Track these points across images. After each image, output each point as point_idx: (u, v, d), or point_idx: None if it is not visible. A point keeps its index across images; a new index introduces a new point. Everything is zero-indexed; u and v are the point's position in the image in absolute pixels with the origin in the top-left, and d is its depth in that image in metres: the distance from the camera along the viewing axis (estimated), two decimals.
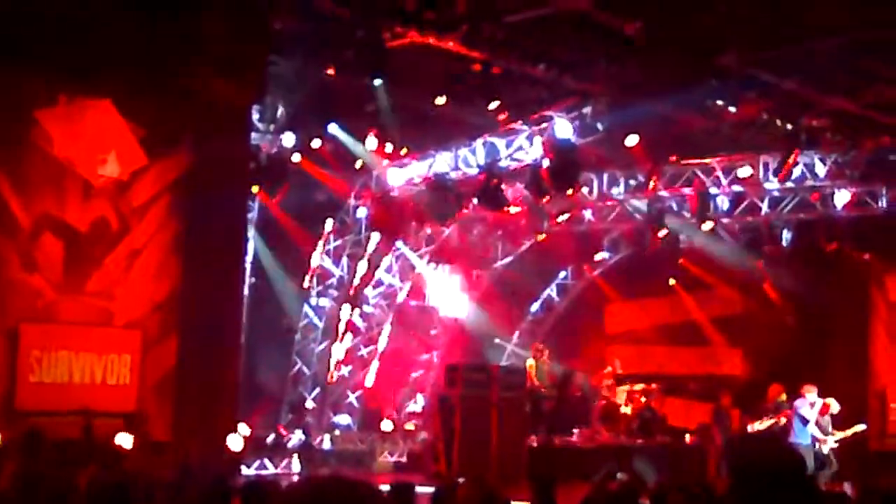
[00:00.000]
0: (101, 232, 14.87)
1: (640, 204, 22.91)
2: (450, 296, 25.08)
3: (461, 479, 12.69)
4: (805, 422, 18.39)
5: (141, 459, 13.35)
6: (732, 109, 18.63)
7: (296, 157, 20.67)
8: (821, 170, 20.74)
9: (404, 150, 21.76)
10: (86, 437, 13.73)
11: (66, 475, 10.61)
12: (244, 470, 17.23)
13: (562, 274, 26.95)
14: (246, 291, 19.81)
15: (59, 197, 14.54)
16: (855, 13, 14.80)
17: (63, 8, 13.68)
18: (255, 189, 20.15)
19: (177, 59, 14.93)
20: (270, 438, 20.97)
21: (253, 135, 18.81)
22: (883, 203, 21.01)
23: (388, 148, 21.50)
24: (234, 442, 16.47)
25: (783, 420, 19.40)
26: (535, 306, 26.96)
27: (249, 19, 15.52)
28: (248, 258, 20.24)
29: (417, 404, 24.60)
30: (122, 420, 14.26)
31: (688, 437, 22.03)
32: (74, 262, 14.62)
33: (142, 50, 14.30)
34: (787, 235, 22.83)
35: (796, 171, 20.82)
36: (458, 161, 21.56)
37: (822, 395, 18.64)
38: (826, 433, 18.52)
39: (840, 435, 18.71)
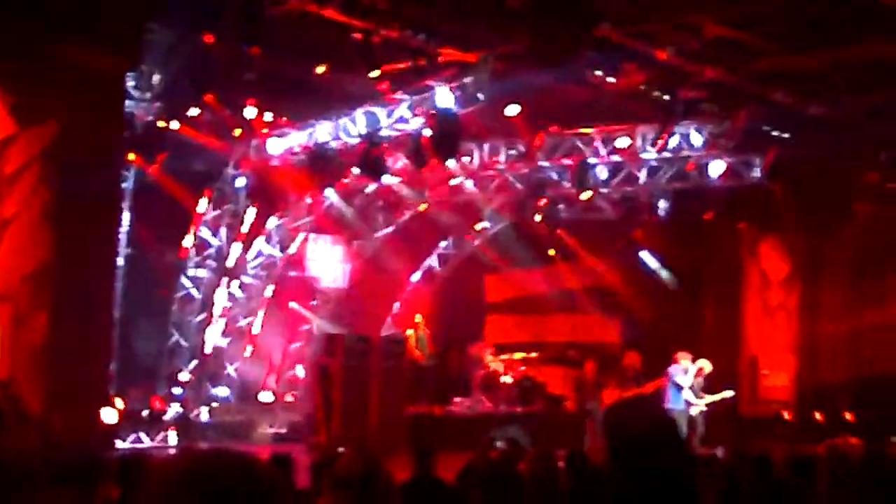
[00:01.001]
0: None
1: (521, 173, 23.10)
2: (330, 266, 25.14)
3: (341, 450, 12.91)
4: (679, 388, 18.87)
5: (12, 431, 13.30)
6: (612, 80, 18.88)
7: (173, 126, 20.58)
8: (697, 140, 21.07)
9: (284, 119, 21.81)
10: None
11: None
12: (119, 443, 17.17)
13: (443, 244, 27.10)
14: (121, 262, 19.64)
15: None
16: None
17: None
18: (131, 157, 19.99)
19: (48, 27, 14.81)
20: (146, 411, 20.82)
21: (128, 103, 18.60)
22: (757, 173, 21.48)
23: (268, 116, 21.51)
24: (108, 415, 16.37)
25: (649, 389, 19.91)
26: (416, 276, 27.08)
27: None
28: (124, 228, 20.01)
29: (297, 375, 24.61)
30: None
31: (567, 404, 22.42)
32: None
33: (10, 18, 14.17)
34: (664, 205, 23.18)
35: (673, 142, 21.18)
36: (339, 130, 21.49)
37: (694, 361, 19.16)
38: (697, 396, 19.03)
39: (709, 399, 19.22)
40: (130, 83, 18.46)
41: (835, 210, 23.12)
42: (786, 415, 23.00)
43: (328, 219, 24.63)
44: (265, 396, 23.42)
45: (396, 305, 26.47)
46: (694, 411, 18.84)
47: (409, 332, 22.58)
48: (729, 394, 19.78)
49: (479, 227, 26.19)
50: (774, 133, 21.01)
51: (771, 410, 23.07)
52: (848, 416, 21.99)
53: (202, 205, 23.01)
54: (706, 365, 19.19)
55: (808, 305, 24.10)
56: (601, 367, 21.13)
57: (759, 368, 23.44)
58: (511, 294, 26.58)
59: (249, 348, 23.93)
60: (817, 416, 22.43)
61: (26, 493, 4.04)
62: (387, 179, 22.45)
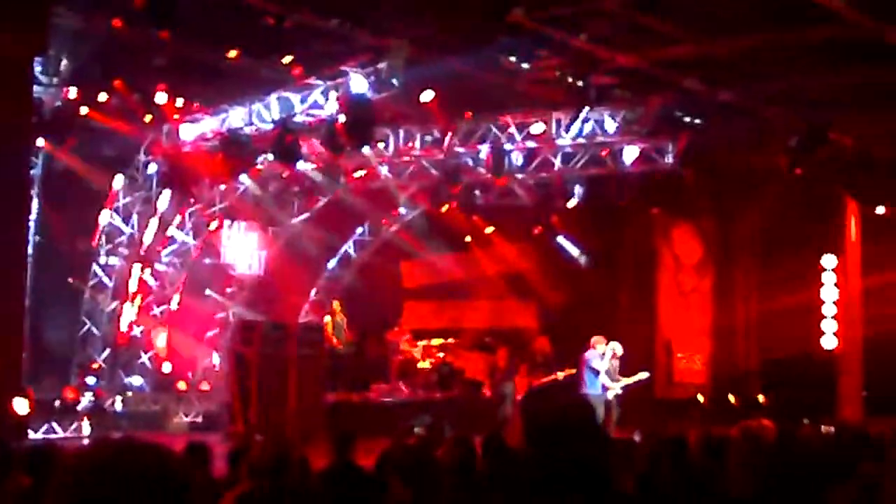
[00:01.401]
0: None
1: (437, 160, 23.16)
2: (245, 253, 25.06)
3: (258, 438, 12.88)
4: (596, 373, 19.04)
5: None
6: (525, 66, 18.99)
7: (82, 111, 20.38)
8: (610, 126, 21.31)
9: (196, 105, 21.68)
10: None
11: None
12: (31, 434, 17.03)
13: (359, 230, 27.15)
14: (30, 250, 19.46)
15: None
16: None
17: None
18: (39, 143, 19.79)
19: None
20: (58, 401, 20.64)
21: (35, 88, 18.42)
22: (669, 159, 21.76)
23: (179, 102, 21.35)
24: (20, 405, 16.25)
25: (561, 375, 20.12)
26: (332, 263, 27.09)
27: None
28: (33, 216, 19.82)
29: (213, 363, 24.50)
30: None
31: (484, 389, 22.54)
32: None
33: None
34: (578, 190, 23.39)
35: (587, 128, 21.41)
36: (252, 116, 21.37)
37: (609, 344, 19.36)
38: (613, 379, 19.23)
39: (625, 381, 19.44)
40: (38, 68, 18.23)
41: (744, 194, 23.46)
42: (700, 398, 23.29)
43: (243, 205, 24.56)
44: (180, 385, 23.31)
45: (313, 292, 26.46)
46: (610, 395, 19.03)
47: (327, 318, 22.58)
48: (644, 375, 20.01)
49: (395, 213, 26.25)
50: (686, 119, 21.26)
51: (686, 393, 23.36)
52: (761, 398, 22.34)
53: (113, 190, 22.78)
54: (618, 348, 19.39)
55: (721, 289, 24.44)
56: (514, 352, 21.25)
57: (673, 352, 23.74)
58: (428, 280, 26.69)
59: (164, 336, 23.76)
60: (731, 398, 22.75)
61: None
62: (301, 166, 22.36)
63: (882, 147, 19.71)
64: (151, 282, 23.48)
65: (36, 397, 18.02)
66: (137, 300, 23.10)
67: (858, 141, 20.44)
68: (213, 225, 24.36)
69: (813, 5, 15.03)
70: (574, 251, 24.85)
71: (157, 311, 23.70)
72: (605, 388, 18.94)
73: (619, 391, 19.28)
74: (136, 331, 23.17)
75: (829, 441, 9.98)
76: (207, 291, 24.78)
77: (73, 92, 19.90)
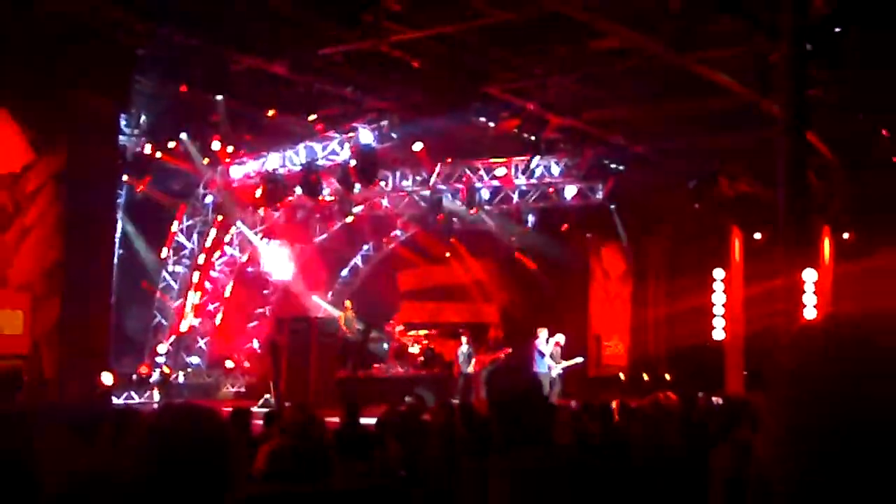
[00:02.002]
0: (0, 212, 14.51)
1: (424, 194, 23.21)
2: (279, 264, 25.05)
3: (287, 404, 12.83)
4: (542, 355, 19.12)
5: (34, 392, 13.14)
6: (492, 125, 19.05)
7: (156, 155, 20.44)
8: (555, 170, 21.40)
9: (242, 151, 21.74)
10: None
11: None
12: (114, 400, 17.02)
13: (365, 247, 27.18)
14: (116, 260, 19.44)
15: None
16: (580, 57, 15.42)
17: None
18: (124, 179, 19.82)
19: (61, 78, 14.63)
20: (135, 376, 20.64)
21: (121, 137, 18.44)
22: (599, 195, 21.88)
23: (229, 149, 21.39)
24: (107, 378, 16.23)
25: (503, 355, 20.20)
26: (344, 272, 27.12)
27: (119, 48, 15.27)
28: (118, 234, 19.83)
29: (253, 347, 24.51)
30: (18, 361, 13.96)
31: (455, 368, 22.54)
32: None
33: (32, 71, 14.00)
34: (532, 219, 23.50)
35: (538, 171, 21.50)
36: (285, 160, 21.52)
37: (552, 335, 19.46)
38: (556, 362, 19.30)
39: (565, 364, 19.50)
40: (123, 122, 18.26)
41: (655, 223, 23.59)
42: (621, 375, 23.35)
43: (277, 227, 24.57)
44: (228, 364, 23.33)
45: (330, 294, 26.45)
46: (554, 373, 19.07)
47: (340, 314, 22.57)
48: (579, 360, 20.10)
49: (392, 234, 26.32)
50: (612, 166, 21.34)
51: (610, 372, 23.41)
52: (667, 376, 22.40)
53: (179, 215, 22.83)
54: (560, 338, 19.49)
55: (637, 295, 24.52)
56: (475, 339, 21.29)
57: (601, 341, 23.80)
58: (417, 286, 26.72)
59: (216, 326, 23.77)
60: (644, 376, 22.81)
61: (32, 442, 3.98)
62: (322, 198, 22.43)
63: (758, 188, 19.81)
64: (207, 285, 23.48)
65: (118, 373, 18.00)
66: (196, 299, 23.13)
67: (740, 183, 20.54)
68: (256, 242, 24.35)
69: (708, 81, 15.13)
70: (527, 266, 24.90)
71: (211, 307, 23.70)
72: (549, 368, 19.00)
73: (561, 371, 19.34)
74: (195, 322, 23.19)
75: (718, 409, 10.04)
76: (249, 292, 24.76)
77: (148, 140, 19.98)
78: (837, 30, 11.81)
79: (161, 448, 2.09)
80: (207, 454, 2.07)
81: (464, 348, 20.33)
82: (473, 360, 20.20)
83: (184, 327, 22.89)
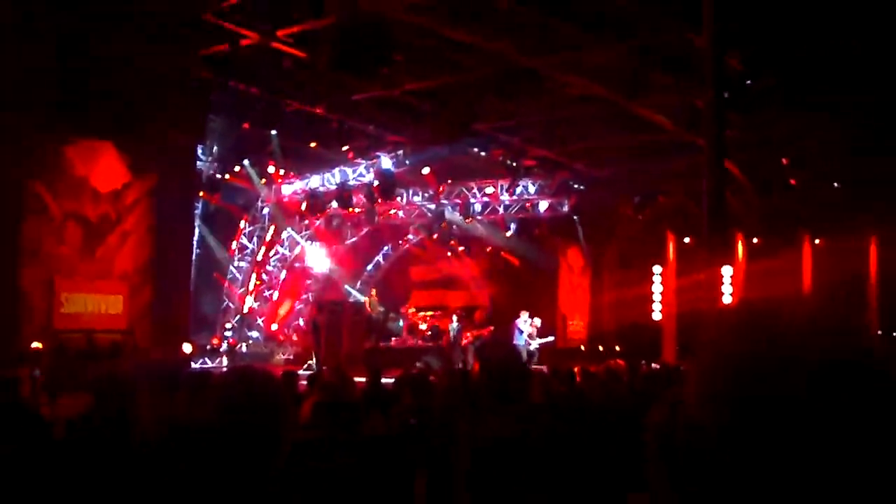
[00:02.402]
0: (105, 221, 14.51)
1: (430, 207, 23.18)
2: (319, 260, 25.03)
3: (325, 368, 12.80)
4: (521, 332, 19.02)
5: (130, 358, 13.13)
6: (483, 154, 19.05)
7: (225, 177, 20.43)
8: (532, 189, 21.41)
9: (291, 174, 21.73)
10: (89, 345, 13.41)
11: (78, 367, 10.43)
12: (192, 365, 17.02)
13: (385, 247, 27.09)
14: (194, 257, 19.45)
15: (78, 199, 14.10)
16: (551, 102, 15.40)
17: (85, 92, 13.25)
18: (200, 195, 19.82)
19: (153, 119, 14.64)
20: (208, 346, 20.64)
21: (198, 163, 18.46)
22: (566, 209, 21.82)
23: (281, 172, 21.40)
24: (187, 348, 16.24)
25: (486, 332, 20.13)
26: (369, 267, 26.98)
27: (196, 95, 15.29)
28: (196, 237, 19.84)
29: (300, 325, 24.47)
30: (118, 335, 13.97)
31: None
32: (88, 239, 14.22)
33: (131, 114, 14.02)
34: (513, 227, 23.43)
35: (518, 190, 21.50)
36: (324, 180, 21.49)
37: (531, 317, 19.37)
38: (533, 339, 19.21)
39: (540, 340, 19.42)
40: (199, 151, 18.27)
41: (609, 230, 23.52)
42: (582, 347, 23.27)
43: (318, 232, 24.51)
44: (280, 337, 23.32)
45: (358, 284, 26.40)
46: (532, 347, 18.98)
47: (366, 299, 22.53)
48: (550, 339, 20.03)
49: (406, 238, 26.23)
50: (576, 186, 21.33)
51: (574, 345, 23.30)
52: (617, 348, 22.34)
53: (242, 224, 22.82)
54: (537, 321, 19.40)
55: (594, 285, 24.40)
56: (466, 318, 21.20)
57: (567, 321, 23.66)
58: (426, 277, 26.64)
59: (270, 308, 23.75)
60: (600, 348, 22.74)
61: (132, 400, 3.96)
62: (352, 209, 22.43)
63: (688, 203, 19.78)
64: (264, 277, 23.45)
65: (196, 344, 18.01)
66: (256, 288, 23.12)
67: (674, 199, 20.52)
68: (301, 244, 24.32)
69: (650, 121, 15.12)
70: (509, 263, 24.80)
71: (267, 294, 23.65)
72: (527, 343, 18.91)
73: (537, 346, 19.26)
74: (255, 305, 23.16)
75: (656, 373, 10.02)
76: (296, 281, 24.73)
77: (219, 166, 19.97)
78: (748, 83, 11.82)
79: (227, 401, 2.07)
80: (264, 406, 2.06)
81: (454, 325, 20.29)
82: (461, 335, 20.18)
83: (246, 309, 22.85)
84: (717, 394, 0.96)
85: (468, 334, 20.19)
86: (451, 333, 20.06)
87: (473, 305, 24.66)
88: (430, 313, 24.47)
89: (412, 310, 24.38)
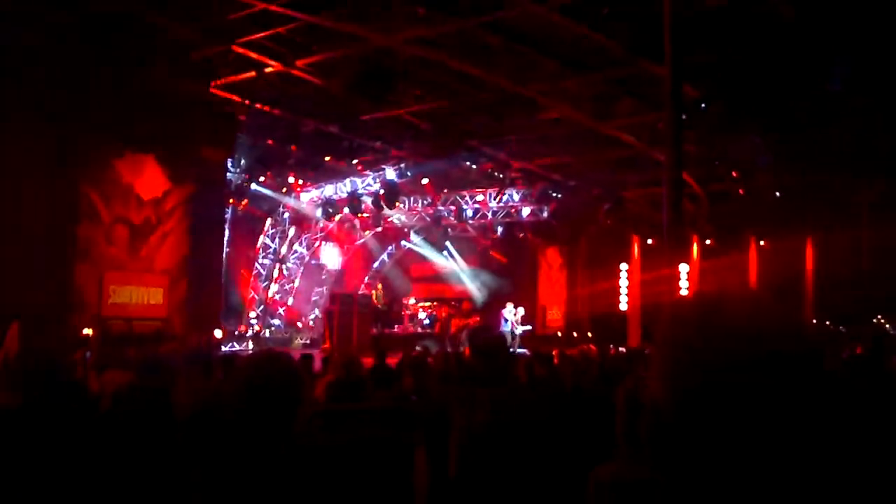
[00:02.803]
0: (147, 224, 14.43)
1: (429, 213, 23.12)
2: (332, 258, 25.03)
3: (337, 352, 12.78)
4: (506, 320, 19.06)
5: (168, 344, 13.10)
6: (474, 166, 19.03)
7: (252, 186, 20.38)
8: (516, 197, 21.39)
9: (308, 183, 21.67)
10: (130, 330, 13.39)
11: (122, 348, 10.39)
12: (223, 349, 17.00)
13: (390, 247, 27.11)
14: (224, 255, 19.42)
15: (125, 205, 14.03)
16: (532, 123, 15.38)
17: (132, 113, 13.19)
18: (230, 202, 19.77)
19: (189, 136, 14.61)
20: (236, 332, 20.62)
21: (228, 174, 18.40)
22: (545, 214, 21.81)
23: (300, 182, 21.34)
24: (218, 334, 16.20)
25: (472, 322, 20.13)
26: (376, 264, 27.01)
27: (227, 116, 15.26)
28: (226, 238, 19.81)
29: (317, 314, 24.46)
30: (159, 322, 13.93)
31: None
32: (134, 240, 14.16)
33: (171, 131, 13.99)
34: (500, 230, 23.44)
35: (504, 197, 21.49)
36: (337, 189, 21.45)
37: (516, 307, 19.39)
38: (516, 325, 19.24)
39: (522, 328, 19.44)
40: (229, 163, 18.22)
41: (581, 232, 23.55)
42: (559, 333, 23.32)
43: (332, 233, 24.50)
44: (298, 325, 23.28)
45: (366, 279, 26.40)
46: (516, 332, 19.01)
47: (373, 292, 22.54)
48: (528, 328, 20.01)
49: (408, 239, 26.21)
50: (554, 194, 21.33)
51: (552, 331, 23.36)
52: (589, 334, 22.39)
53: (266, 226, 22.77)
54: (521, 310, 19.41)
55: (569, 279, 24.44)
56: (454, 309, 21.22)
57: (546, 310, 23.67)
58: (424, 273, 26.64)
59: (291, 300, 23.70)
60: (574, 334, 22.80)
61: (171, 377, 3.96)
62: (361, 215, 22.41)
63: (650, 209, 19.82)
64: (284, 272, 23.42)
65: (226, 330, 17.96)
66: (277, 280, 23.08)
67: (639, 207, 20.54)
68: (317, 243, 24.29)
69: (617, 138, 15.13)
70: (498, 261, 24.77)
71: (287, 286, 23.61)
72: (512, 330, 18.95)
73: (520, 332, 19.28)
74: (277, 296, 23.12)
75: (624, 356, 10.04)
76: (313, 277, 24.71)
77: (246, 176, 19.94)
78: (703, 106, 11.83)
79: (253, 379, 2.06)
80: (283, 383, 2.06)
81: (444, 315, 20.30)
82: (451, 323, 20.25)
83: (269, 301, 22.82)
84: (674, 374, 0.97)
85: (454, 323, 20.21)
86: (446, 327, 20.06)
87: (465, 297, 24.71)
88: (427, 304, 24.46)
89: (412, 301, 24.37)
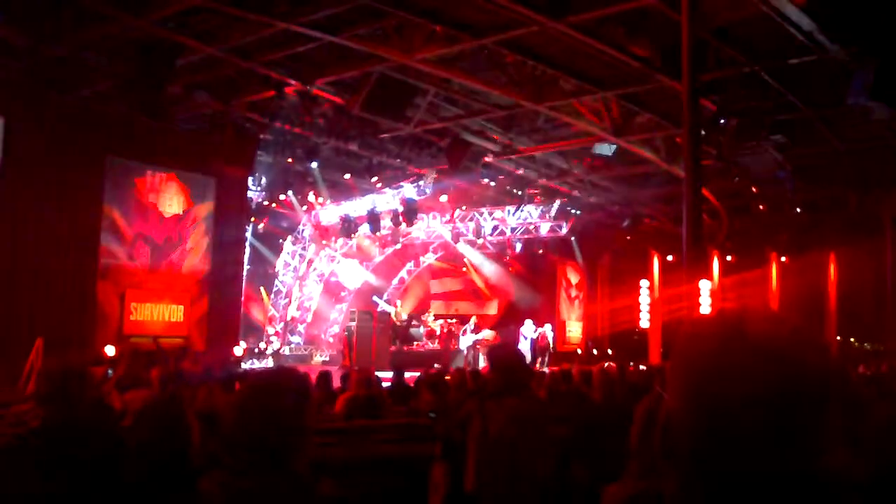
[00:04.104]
0: (169, 241, 14.60)
1: (447, 229, 23.17)
2: (352, 275, 25.09)
3: (356, 368, 12.76)
4: (525, 337, 18.97)
5: (189, 360, 13.16)
6: (493, 184, 19.02)
7: (272, 205, 20.56)
8: (534, 213, 21.38)
9: (329, 201, 21.81)
10: (157, 348, 13.45)
11: (144, 367, 10.46)
12: (243, 365, 17.05)
13: (409, 264, 27.13)
14: (245, 272, 19.54)
15: (146, 222, 14.21)
16: (549, 138, 15.37)
17: (154, 133, 13.41)
18: (251, 219, 19.94)
19: (211, 154, 14.80)
20: (257, 349, 20.69)
21: (249, 192, 18.58)
22: (564, 231, 21.78)
23: (320, 200, 21.48)
24: (238, 350, 16.27)
25: (494, 339, 20.00)
26: (395, 281, 27.02)
27: (248, 135, 15.43)
28: (246, 255, 19.94)
29: (335, 331, 24.48)
30: (180, 340, 14.02)
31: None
32: (155, 257, 14.32)
33: (192, 150, 14.18)
34: (518, 246, 23.39)
35: (523, 214, 21.47)
36: (356, 207, 21.61)
37: (541, 326, 19.28)
38: (535, 343, 19.11)
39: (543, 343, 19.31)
40: (250, 181, 18.39)
41: (601, 249, 23.47)
42: (579, 350, 23.16)
43: (351, 251, 24.58)
44: (318, 341, 23.32)
45: (385, 295, 26.42)
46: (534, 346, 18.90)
47: (392, 309, 22.53)
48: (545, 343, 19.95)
49: (426, 256, 26.23)
50: (573, 211, 21.30)
51: (572, 348, 23.18)
52: (609, 351, 22.22)
53: (287, 244, 22.90)
54: (542, 328, 19.29)
55: (589, 296, 24.34)
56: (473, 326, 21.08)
57: (564, 328, 23.49)
58: (443, 289, 26.60)
59: (310, 317, 23.77)
60: (594, 351, 22.63)
61: (192, 391, 3.95)
62: (380, 232, 22.48)
63: (669, 225, 19.71)
64: (305, 290, 23.51)
65: (246, 347, 18.03)
66: (297, 298, 23.17)
67: (658, 223, 20.44)
68: (336, 261, 24.38)
69: (636, 154, 15.07)
70: (516, 274, 24.69)
71: (307, 303, 23.68)
72: (532, 345, 18.85)
73: (544, 346, 19.15)
74: (297, 314, 23.19)
75: (644, 373, 9.95)
76: (332, 293, 24.76)
77: (267, 194, 20.11)
78: (721, 122, 11.79)
79: (257, 394, 2.04)
80: (291, 398, 2.04)
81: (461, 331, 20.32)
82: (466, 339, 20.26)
83: (289, 317, 22.90)
84: (690, 392, 0.96)
85: (474, 338, 20.13)
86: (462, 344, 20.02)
87: (484, 314, 24.61)
88: (444, 322, 24.37)
89: (431, 318, 24.33)
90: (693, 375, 0.97)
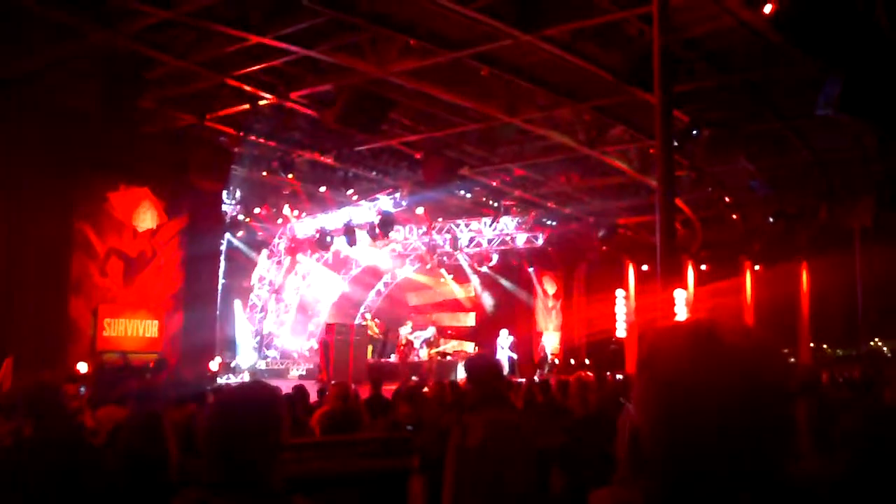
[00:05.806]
0: (142, 256, 14.43)
1: (424, 241, 23.14)
2: (329, 287, 24.93)
3: (333, 382, 12.67)
4: (502, 347, 19.00)
5: (162, 375, 12.99)
6: (469, 195, 19.09)
7: (246, 218, 20.39)
8: (511, 224, 21.45)
9: (304, 214, 21.68)
10: (125, 364, 13.25)
11: (117, 384, 10.30)
12: (218, 381, 16.85)
13: (385, 277, 27.07)
14: (220, 286, 19.32)
15: (119, 238, 14.04)
16: (525, 151, 15.50)
17: (127, 147, 13.27)
18: (226, 235, 19.76)
19: (184, 168, 14.68)
20: (232, 364, 20.45)
21: (223, 206, 18.44)
22: (540, 242, 21.87)
23: (295, 213, 21.35)
24: (213, 365, 16.09)
25: (462, 347, 19.98)
26: (371, 294, 26.95)
27: (222, 149, 15.33)
28: (221, 269, 19.73)
29: (312, 346, 24.27)
30: (154, 355, 13.82)
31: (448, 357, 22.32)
32: (128, 272, 14.14)
33: (166, 163, 14.06)
34: (495, 257, 23.44)
35: (500, 226, 21.53)
36: (332, 219, 21.49)
37: (511, 333, 19.29)
38: (510, 352, 19.13)
39: (513, 355, 19.33)
40: (224, 195, 18.25)
41: (577, 259, 23.59)
42: (556, 360, 23.22)
43: (327, 263, 24.44)
44: (294, 355, 23.08)
45: (362, 308, 26.30)
46: (514, 358, 18.91)
47: (369, 322, 22.42)
48: (514, 356, 20.00)
49: (403, 268, 26.15)
50: (548, 222, 21.41)
51: (549, 357, 23.26)
52: (586, 360, 22.30)
53: (262, 257, 22.71)
54: (511, 338, 19.35)
55: (566, 305, 24.43)
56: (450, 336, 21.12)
57: (540, 340, 23.52)
58: (420, 302, 26.58)
59: (286, 330, 23.56)
60: (571, 360, 22.69)
61: (162, 407, 3.93)
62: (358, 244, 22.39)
63: (644, 235, 19.89)
64: (282, 303, 23.30)
65: (220, 362, 17.82)
66: (273, 311, 22.94)
67: (633, 233, 20.61)
68: (312, 274, 24.19)
69: (610, 165, 15.22)
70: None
71: (283, 316, 23.46)
72: (509, 356, 18.88)
73: (514, 356, 19.18)
74: (273, 328, 22.96)
75: (621, 382, 9.98)
76: (309, 306, 24.56)
77: (241, 208, 19.94)
78: (694, 133, 11.96)
79: (227, 410, 2.00)
80: (261, 413, 2.01)
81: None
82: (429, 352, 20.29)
83: (265, 331, 22.67)
84: (660, 401, 0.97)
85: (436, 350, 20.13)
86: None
87: (461, 326, 24.61)
88: (422, 333, 24.30)
89: (408, 331, 24.26)
90: (664, 388, 0.98)
